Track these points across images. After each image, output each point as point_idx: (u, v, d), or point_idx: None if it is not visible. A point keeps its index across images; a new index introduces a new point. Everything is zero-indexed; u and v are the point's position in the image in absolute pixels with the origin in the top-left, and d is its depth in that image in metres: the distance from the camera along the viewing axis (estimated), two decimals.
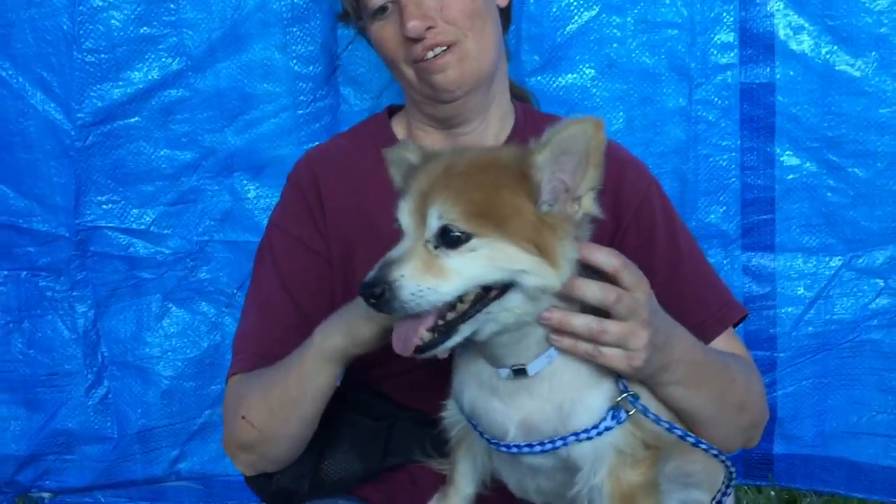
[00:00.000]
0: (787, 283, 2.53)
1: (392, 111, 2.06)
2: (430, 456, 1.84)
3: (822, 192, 2.48)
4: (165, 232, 2.60)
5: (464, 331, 1.38)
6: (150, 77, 2.50)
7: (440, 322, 1.37)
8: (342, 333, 1.62)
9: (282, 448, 1.79)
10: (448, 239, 1.34)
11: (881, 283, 2.50)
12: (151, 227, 2.60)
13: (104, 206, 2.58)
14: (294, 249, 1.91)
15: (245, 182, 2.58)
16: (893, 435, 2.52)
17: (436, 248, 1.35)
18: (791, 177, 2.49)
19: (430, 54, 1.81)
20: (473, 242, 1.34)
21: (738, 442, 1.79)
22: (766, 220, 2.51)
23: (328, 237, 1.90)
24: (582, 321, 1.43)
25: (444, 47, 1.81)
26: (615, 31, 2.44)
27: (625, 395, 1.49)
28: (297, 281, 1.89)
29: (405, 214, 1.39)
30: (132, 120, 2.53)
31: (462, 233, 1.34)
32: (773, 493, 2.77)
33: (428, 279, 1.33)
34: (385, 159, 1.57)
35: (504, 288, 1.37)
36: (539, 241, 1.35)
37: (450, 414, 1.68)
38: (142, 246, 2.61)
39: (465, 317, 1.37)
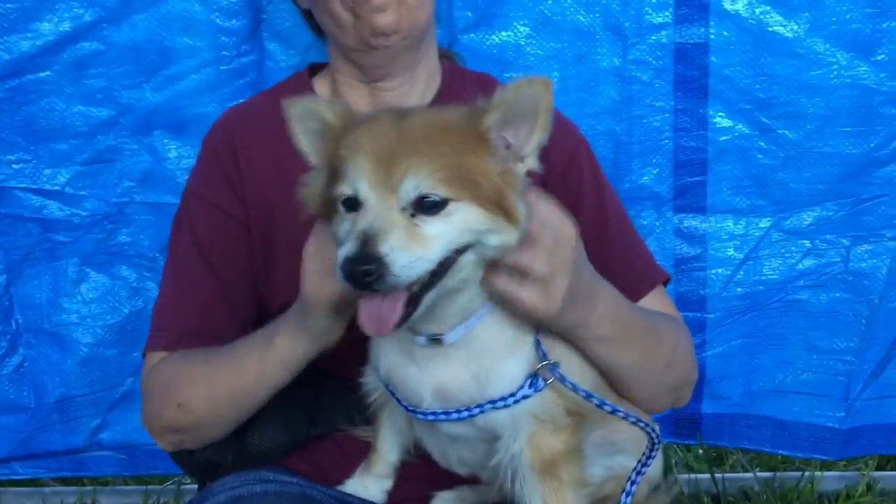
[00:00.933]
0: (718, 245, 2.54)
1: (314, 70, 1.99)
2: (356, 424, 1.82)
3: (752, 153, 2.49)
4: (81, 193, 2.49)
5: (427, 299, 1.35)
6: (61, 28, 2.37)
7: (411, 291, 1.33)
8: (309, 340, 1.58)
9: (219, 432, 1.76)
10: (426, 205, 1.30)
11: (808, 243, 2.53)
12: (66, 188, 2.48)
13: (14, 166, 2.44)
14: (211, 216, 1.85)
15: (166, 141, 2.47)
16: (817, 393, 2.57)
17: (412, 215, 1.30)
18: (723, 138, 2.48)
19: None
20: (450, 207, 1.31)
21: (666, 401, 1.80)
22: (697, 181, 2.51)
23: (246, 202, 1.84)
24: (513, 257, 1.40)
25: None
26: None
27: (544, 363, 1.47)
28: (216, 248, 1.84)
29: (365, 183, 1.31)
30: (43, 74, 2.39)
31: (440, 198, 1.30)
32: (700, 451, 2.83)
33: (415, 248, 1.28)
34: (288, 114, 1.47)
35: (461, 251, 1.35)
36: (501, 201, 1.34)
37: (369, 380, 1.65)
38: (56, 207, 2.49)
39: (430, 285, 1.34)
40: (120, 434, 2.65)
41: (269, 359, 1.64)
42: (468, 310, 1.44)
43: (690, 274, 2.53)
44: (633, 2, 2.41)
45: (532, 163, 1.39)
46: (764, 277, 2.55)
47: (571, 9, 2.40)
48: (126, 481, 2.88)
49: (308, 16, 2.00)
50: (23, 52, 2.37)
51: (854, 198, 2.50)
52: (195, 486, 2.06)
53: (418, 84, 1.91)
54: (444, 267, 1.33)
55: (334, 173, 1.37)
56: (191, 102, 2.44)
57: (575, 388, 1.49)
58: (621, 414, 1.56)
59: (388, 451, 1.72)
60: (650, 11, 2.42)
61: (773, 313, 2.55)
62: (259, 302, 1.88)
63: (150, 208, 2.51)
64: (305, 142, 1.47)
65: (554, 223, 1.44)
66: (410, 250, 1.28)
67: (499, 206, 1.34)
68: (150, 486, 2.83)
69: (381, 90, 1.89)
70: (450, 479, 1.73)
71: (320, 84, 1.96)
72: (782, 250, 2.54)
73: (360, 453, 1.76)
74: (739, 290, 2.55)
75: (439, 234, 1.30)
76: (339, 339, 1.57)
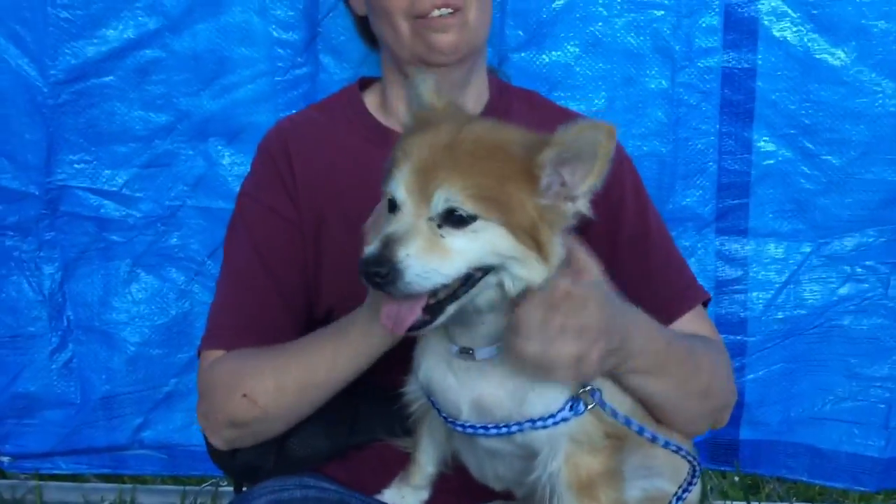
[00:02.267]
0: (759, 268, 2.54)
1: (364, 84, 2.02)
2: (395, 434, 1.82)
3: (795, 178, 2.50)
4: (137, 195, 2.56)
5: (450, 310, 1.36)
6: (125, 35, 2.45)
7: (431, 301, 1.35)
8: (381, 332, 1.57)
9: (280, 427, 1.77)
10: (453, 219, 1.31)
11: (849, 269, 2.53)
12: (123, 189, 2.55)
13: (76, 166, 2.53)
14: (267, 217, 1.88)
15: (220, 147, 2.54)
16: (857, 421, 2.55)
17: (439, 226, 1.32)
18: (767, 162, 2.50)
19: (436, 12, 1.78)
20: (477, 224, 1.31)
21: (704, 426, 1.78)
22: (740, 204, 2.52)
23: (299, 206, 1.87)
24: (541, 311, 1.39)
25: (451, 10, 1.78)
26: (601, 9, 2.43)
27: (586, 388, 1.47)
28: (272, 249, 1.86)
29: (403, 188, 1.33)
30: (106, 79, 2.48)
31: (468, 214, 1.31)
32: (736, 478, 2.80)
33: (433, 259, 1.30)
34: (411, 83, 1.51)
35: (486, 271, 1.36)
36: (535, 234, 1.34)
37: (411, 389, 1.66)
38: (112, 208, 2.56)
39: (454, 297, 1.35)
40: (161, 433, 2.70)
41: (344, 349, 1.65)
42: (497, 333, 1.45)
43: (731, 296, 2.54)
44: (684, 25, 2.44)
45: (583, 205, 1.38)
46: (805, 302, 2.55)
47: (622, 31, 2.44)
48: (164, 481, 2.90)
49: (362, 25, 2.02)
50: (88, 58, 2.46)
51: (894, 225, 2.50)
52: (232, 489, 2.09)
53: (468, 101, 1.91)
54: (466, 283, 1.35)
55: (390, 168, 1.39)
56: (245, 111, 2.51)
57: (615, 415, 1.50)
58: (661, 442, 1.56)
59: (426, 462, 1.71)
60: (699, 35, 2.45)
61: (813, 338, 2.55)
62: (310, 305, 1.90)
63: (202, 213, 2.57)
64: (408, 116, 1.50)
65: (586, 274, 1.43)
66: (427, 260, 1.29)
67: (531, 238, 1.34)
68: (188, 487, 2.85)
69: None
70: (485, 494, 1.72)
71: (370, 97, 1.98)
72: (823, 275, 2.54)
73: (399, 463, 1.76)
74: (780, 314, 2.55)
75: (462, 248, 1.31)
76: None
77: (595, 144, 1.34)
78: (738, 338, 2.54)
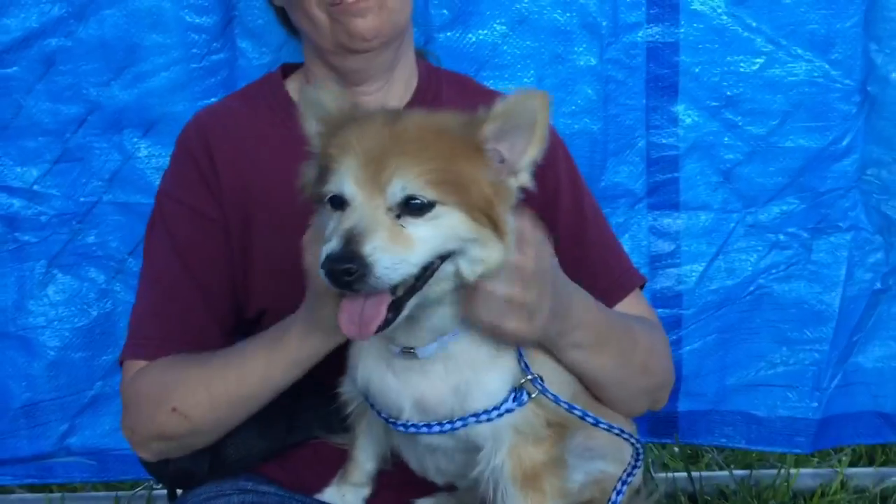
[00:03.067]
0: (691, 241, 2.57)
1: (286, 71, 1.96)
2: (334, 431, 1.79)
3: (720, 149, 2.53)
4: (50, 191, 2.44)
5: (411, 304, 1.33)
6: (28, 24, 2.33)
7: (394, 296, 1.31)
8: (322, 334, 1.54)
9: (212, 438, 1.72)
10: (412, 207, 1.28)
11: (773, 236, 2.58)
12: (34, 186, 2.43)
13: None
14: (188, 218, 1.82)
15: (135, 140, 2.44)
16: (790, 385, 2.60)
17: (398, 216, 1.28)
18: (693, 135, 2.52)
19: None
20: (437, 210, 1.29)
21: (643, 405, 1.80)
22: (670, 178, 2.54)
23: (223, 204, 1.81)
24: (500, 286, 1.39)
25: None
26: None
27: (529, 377, 1.47)
28: (194, 251, 1.80)
29: (351, 182, 1.29)
30: (10, 70, 2.35)
31: (427, 200, 1.28)
32: (676, 449, 2.85)
33: (399, 250, 1.26)
34: (300, 99, 1.47)
35: (444, 258, 1.33)
36: (490, 212, 1.33)
37: (346, 389, 1.63)
38: (23, 206, 2.44)
39: (413, 290, 1.32)
40: (89, 439, 2.59)
41: (279, 358, 1.60)
42: (443, 326, 1.43)
43: (665, 271, 2.56)
44: (609, 0, 2.43)
45: (525, 178, 1.38)
46: (735, 272, 2.59)
47: (548, 7, 2.42)
48: (95, 487, 2.82)
49: (282, 14, 1.97)
50: None
51: (813, 191, 2.56)
52: (166, 492, 2.02)
53: (396, 86, 1.89)
54: (427, 273, 1.32)
55: (323, 169, 1.36)
56: (161, 101, 2.41)
57: (557, 401, 1.49)
58: (604, 426, 1.56)
59: (364, 459, 1.70)
60: (624, 11, 2.45)
61: (744, 307, 2.59)
62: (237, 307, 1.84)
63: (120, 208, 2.47)
64: (311, 128, 1.45)
65: (537, 247, 1.43)
66: (394, 251, 1.26)
67: (487, 217, 1.33)
68: (119, 492, 2.77)
69: (358, 94, 1.86)
70: (427, 487, 1.72)
71: (294, 86, 1.92)
72: (751, 244, 2.58)
73: (338, 461, 1.74)
74: (713, 285, 2.58)
75: (425, 237, 1.29)
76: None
77: (532, 113, 1.34)
78: (674, 311, 2.56)
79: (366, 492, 1.72)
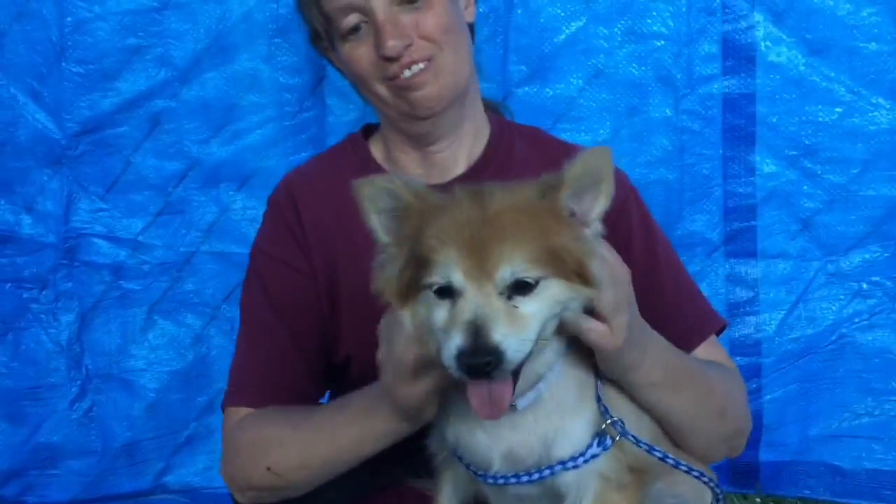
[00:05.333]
0: (770, 289, 2.56)
1: (368, 131, 2.04)
2: (418, 475, 1.82)
3: (798, 198, 2.54)
4: (153, 242, 2.59)
5: (525, 370, 1.39)
6: (137, 87, 2.50)
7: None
8: (408, 424, 1.60)
9: (302, 492, 1.78)
10: (520, 287, 1.34)
11: (856, 285, 2.56)
12: (138, 237, 2.58)
13: (93, 214, 2.56)
14: (280, 271, 1.90)
15: (231, 193, 2.58)
16: (875, 437, 2.56)
17: (509, 298, 1.34)
18: (771, 184, 2.53)
19: (407, 72, 1.80)
20: (541, 285, 1.36)
21: (721, 451, 1.79)
22: (747, 227, 2.55)
23: (311, 255, 1.89)
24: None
25: (421, 64, 1.80)
26: (602, 41, 2.48)
27: (609, 420, 1.50)
28: (286, 301, 1.88)
29: (459, 272, 1.34)
30: (120, 129, 2.52)
31: (534, 279, 1.35)
32: (758, 500, 2.79)
33: (520, 332, 1.33)
34: (357, 191, 1.46)
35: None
36: (581, 270, 1.39)
37: (433, 441, 1.67)
38: (128, 256, 2.59)
39: (528, 356, 1.37)
40: (184, 477, 2.70)
41: (370, 431, 1.65)
42: (539, 373, 1.47)
43: (743, 318, 2.56)
44: (684, 54, 2.48)
45: (597, 227, 1.44)
46: (816, 320, 2.57)
47: (623, 62, 2.48)
48: None
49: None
50: (103, 109, 2.50)
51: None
52: None
53: (465, 140, 1.94)
54: (539, 339, 1.38)
55: (419, 259, 1.40)
56: (255, 156, 2.55)
57: (638, 443, 1.52)
58: (684, 468, 1.58)
59: None
60: (699, 63, 2.49)
61: (826, 356, 2.57)
62: (326, 353, 1.92)
63: (215, 258, 2.60)
64: (377, 221, 1.46)
65: (612, 262, 1.49)
66: (517, 334, 1.32)
67: (579, 276, 1.39)
68: None
69: (431, 153, 1.93)
70: None
71: (375, 147, 2.00)
72: (832, 292, 2.57)
73: None
74: (793, 333, 2.57)
75: (535, 312, 1.35)
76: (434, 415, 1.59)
77: (599, 169, 1.40)
78: (753, 359, 2.55)
79: None
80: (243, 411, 1.84)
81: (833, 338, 2.57)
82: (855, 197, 2.52)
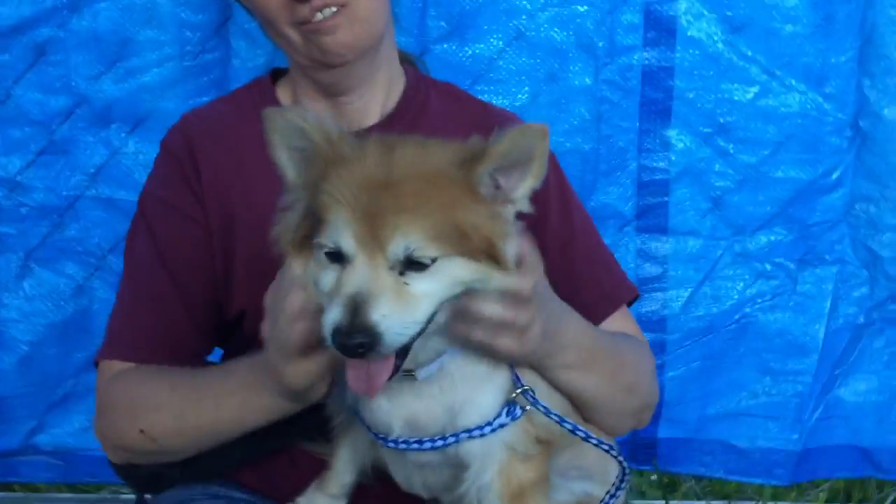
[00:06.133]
0: (678, 266, 2.55)
1: (276, 75, 1.94)
2: (312, 439, 1.75)
3: (710, 176, 2.52)
4: (32, 183, 2.40)
5: (415, 347, 1.31)
6: (20, 12, 2.31)
7: None
8: (292, 399, 1.51)
9: (177, 458, 1.70)
10: (414, 263, 1.25)
11: (760, 266, 2.57)
12: (17, 177, 2.39)
13: None
14: (170, 218, 1.79)
15: (123, 135, 2.40)
16: (771, 416, 2.59)
17: (401, 273, 1.25)
18: (684, 160, 2.51)
19: (319, 15, 1.70)
20: (439, 263, 1.26)
21: (628, 425, 1.78)
22: (660, 202, 2.53)
23: (206, 206, 1.78)
24: (492, 310, 1.36)
25: (334, 7, 1.70)
26: (525, 2, 2.40)
27: (520, 390, 1.44)
28: (175, 251, 1.78)
29: (350, 238, 1.25)
30: (0, 57, 2.32)
31: (430, 258, 1.25)
32: (654, 477, 2.82)
33: (405, 312, 1.24)
34: (266, 126, 1.37)
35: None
36: (491, 251, 1.30)
37: (332, 403, 1.59)
38: (4, 196, 2.40)
39: (417, 336, 1.29)
40: (57, 438, 2.55)
41: (252, 406, 1.57)
42: (441, 348, 1.40)
43: (651, 294, 2.54)
44: (607, 22, 2.42)
45: (523, 205, 1.35)
46: (721, 299, 2.57)
47: (545, 25, 2.41)
48: (59, 489, 2.75)
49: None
50: None
51: (801, 222, 2.56)
52: (134, 497, 1.98)
53: (378, 91, 1.87)
54: (431, 320, 1.29)
55: (316, 212, 1.30)
56: (151, 97, 2.39)
57: (548, 413, 1.47)
58: (594, 441, 1.54)
59: (344, 471, 1.65)
60: (621, 32, 2.44)
61: (729, 335, 2.58)
62: (217, 308, 1.82)
63: (103, 204, 2.44)
64: (285, 158, 1.38)
65: (534, 271, 1.41)
66: (401, 315, 1.23)
67: (488, 256, 1.30)
68: (84, 495, 2.72)
69: (342, 103, 1.85)
70: (406, 501, 1.67)
71: (283, 92, 1.91)
72: (738, 272, 2.57)
73: (314, 470, 1.69)
74: (699, 311, 2.57)
75: (428, 292, 1.26)
76: (326, 394, 1.51)
77: (530, 149, 1.30)
78: (658, 336, 2.54)
79: None
80: (119, 366, 1.73)
81: (736, 317, 2.57)
82: (765, 178, 2.52)
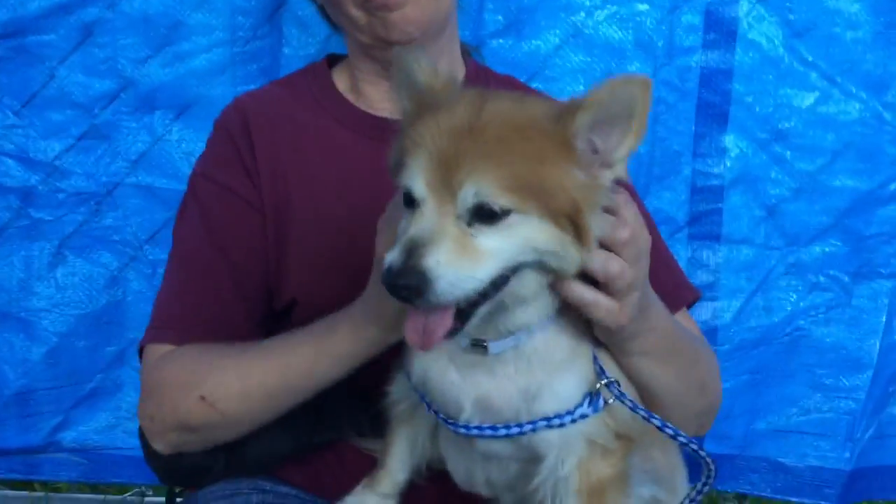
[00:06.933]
0: (730, 275, 2.49)
1: (331, 61, 1.90)
2: (364, 435, 1.68)
3: (765, 183, 2.47)
4: (70, 168, 2.34)
5: (482, 313, 1.24)
6: None
7: (460, 306, 1.21)
8: (379, 328, 1.44)
9: (236, 434, 1.61)
10: (484, 214, 1.17)
11: (814, 277, 2.51)
12: (55, 161, 2.33)
13: (4, 131, 2.30)
14: (222, 198, 1.72)
15: (167, 121, 2.35)
16: (822, 434, 2.52)
17: (469, 224, 1.18)
18: (739, 166, 2.46)
19: None
20: (512, 218, 1.18)
21: (692, 428, 1.69)
22: (714, 209, 2.47)
23: (261, 189, 1.72)
24: (602, 264, 1.29)
25: None
26: None
27: (605, 381, 1.36)
28: (227, 232, 1.71)
29: (422, 183, 1.19)
30: (46, 37, 2.27)
31: (502, 209, 1.17)
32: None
33: (465, 264, 1.16)
34: (395, 59, 1.34)
35: (517, 268, 1.23)
36: (576, 218, 1.21)
37: (397, 388, 1.52)
38: (41, 181, 2.33)
39: (485, 298, 1.22)
40: (82, 435, 2.46)
41: (328, 350, 1.50)
42: (521, 325, 1.33)
43: (703, 304, 2.46)
44: (667, 21, 2.39)
45: (621, 170, 1.26)
46: (773, 310, 2.51)
47: (604, 23, 2.37)
48: (81, 488, 2.68)
49: (323, 10, 1.92)
50: (27, 12, 2.25)
51: (857, 233, 2.50)
52: (160, 500, 1.89)
53: None
54: (497, 284, 1.22)
55: (400, 155, 1.26)
56: (199, 83, 2.34)
57: (635, 409, 1.39)
58: (683, 439, 1.44)
59: (397, 468, 1.56)
60: (681, 33, 2.41)
61: (781, 348, 2.51)
62: (268, 295, 1.74)
63: (142, 192, 2.37)
64: (402, 99, 1.34)
65: (639, 233, 1.34)
66: (459, 266, 1.16)
67: (572, 224, 1.22)
68: (108, 496, 2.64)
69: None
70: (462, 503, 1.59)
71: (339, 77, 1.86)
72: (792, 283, 2.51)
73: (363, 468, 1.61)
74: (750, 322, 2.51)
75: (495, 248, 1.19)
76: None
77: (631, 101, 1.21)
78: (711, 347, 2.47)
79: None
80: (166, 349, 1.65)
81: (788, 330, 2.51)
82: (821, 187, 2.47)
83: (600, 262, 1.28)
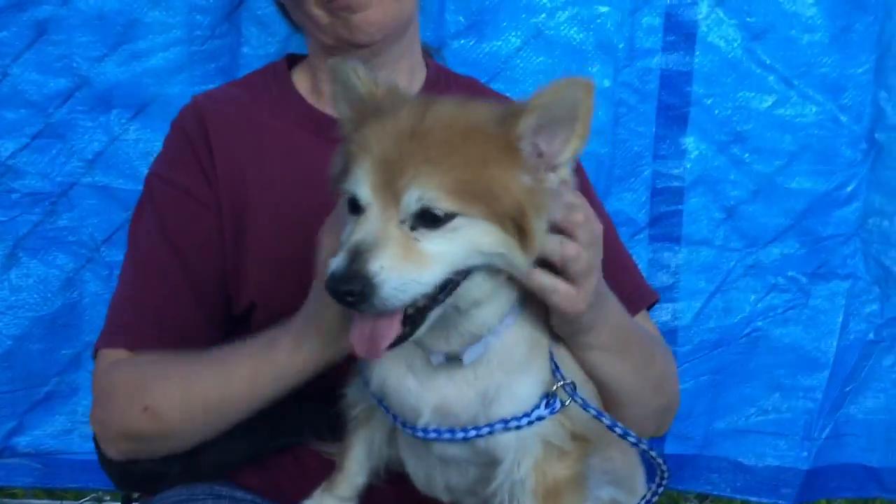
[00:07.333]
0: (690, 276, 2.51)
1: (291, 62, 1.88)
2: (323, 438, 1.65)
3: (724, 185, 2.49)
4: (24, 168, 2.31)
5: (432, 317, 1.23)
6: None
7: (409, 311, 1.20)
8: (320, 343, 1.42)
9: (182, 445, 1.59)
10: (428, 218, 1.17)
11: (773, 278, 2.54)
12: (8, 161, 2.29)
13: None
14: (179, 200, 1.70)
15: (124, 121, 2.32)
16: (780, 433, 2.55)
17: (412, 228, 1.17)
18: (699, 168, 2.48)
19: None
20: (456, 222, 1.17)
21: (650, 427, 1.71)
22: (674, 210, 2.49)
23: (219, 192, 1.69)
24: (555, 241, 1.29)
25: None
26: (546, 0, 2.36)
27: (561, 383, 1.36)
28: (184, 235, 1.68)
29: (366, 188, 1.18)
30: None
31: (445, 213, 1.16)
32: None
33: (409, 269, 1.15)
34: (331, 70, 1.34)
35: (467, 273, 1.22)
36: (521, 222, 1.21)
37: (353, 391, 1.50)
38: None
39: (434, 303, 1.21)
40: (37, 439, 2.43)
41: (267, 366, 1.48)
42: (485, 327, 1.32)
43: (662, 305, 2.49)
44: (627, 23, 2.40)
45: (566, 174, 1.26)
46: (732, 311, 2.54)
47: (565, 25, 2.37)
48: (37, 494, 2.63)
49: (284, 8, 1.89)
50: None
51: (814, 235, 2.53)
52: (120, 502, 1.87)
53: (401, 80, 1.78)
54: (446, 288, 1.21)
55: (345, 161, 1.25)
56: (156, 82, 2.31)
57: (586, 407, 1.39)
58: (632, 439, 1.45)
59: (355, 472, 1.54)
60: (641, 35, 2.41)
61: (740, 348, 2.54)
62: (226, 299, 1.71)
63: (99, 192, 2.35)
64: (343, 109, 1.33)
65: (591, 220, 1.34)
66: (404, 270, 1.15)
67: (517, 227, 1.21)
68: (64, 502, 2.60)
69: None
70: None
71: (300, 78, 1.84)
72: (750, 284, 2.53)
73: (321, 472, 1.59)
74: (710, 323, 2.53)
75: (440, 252, 1.18)
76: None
77: (574, 104, 1.21)
78: (669, 348, 2.49)
79: None
80: (121, 354, 1.62)
81: (747, 330, 2.54)
82: (779, 189, 2.49)
83: (556, 245, 1.28)
